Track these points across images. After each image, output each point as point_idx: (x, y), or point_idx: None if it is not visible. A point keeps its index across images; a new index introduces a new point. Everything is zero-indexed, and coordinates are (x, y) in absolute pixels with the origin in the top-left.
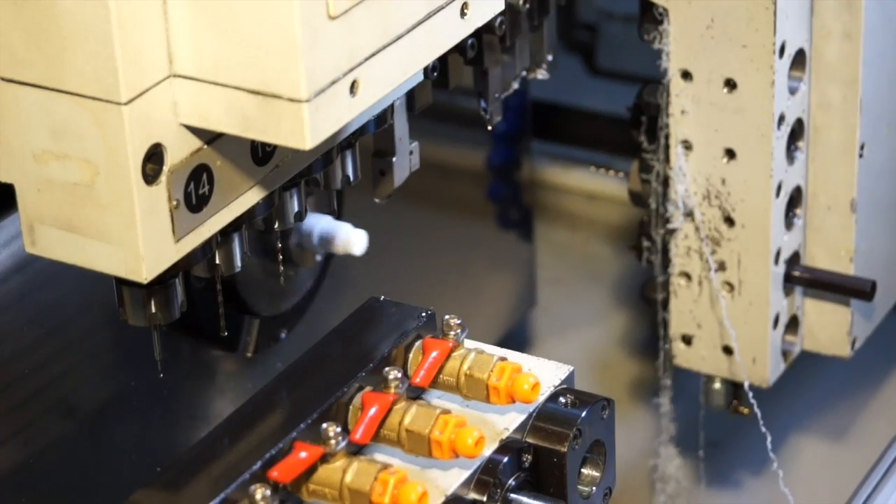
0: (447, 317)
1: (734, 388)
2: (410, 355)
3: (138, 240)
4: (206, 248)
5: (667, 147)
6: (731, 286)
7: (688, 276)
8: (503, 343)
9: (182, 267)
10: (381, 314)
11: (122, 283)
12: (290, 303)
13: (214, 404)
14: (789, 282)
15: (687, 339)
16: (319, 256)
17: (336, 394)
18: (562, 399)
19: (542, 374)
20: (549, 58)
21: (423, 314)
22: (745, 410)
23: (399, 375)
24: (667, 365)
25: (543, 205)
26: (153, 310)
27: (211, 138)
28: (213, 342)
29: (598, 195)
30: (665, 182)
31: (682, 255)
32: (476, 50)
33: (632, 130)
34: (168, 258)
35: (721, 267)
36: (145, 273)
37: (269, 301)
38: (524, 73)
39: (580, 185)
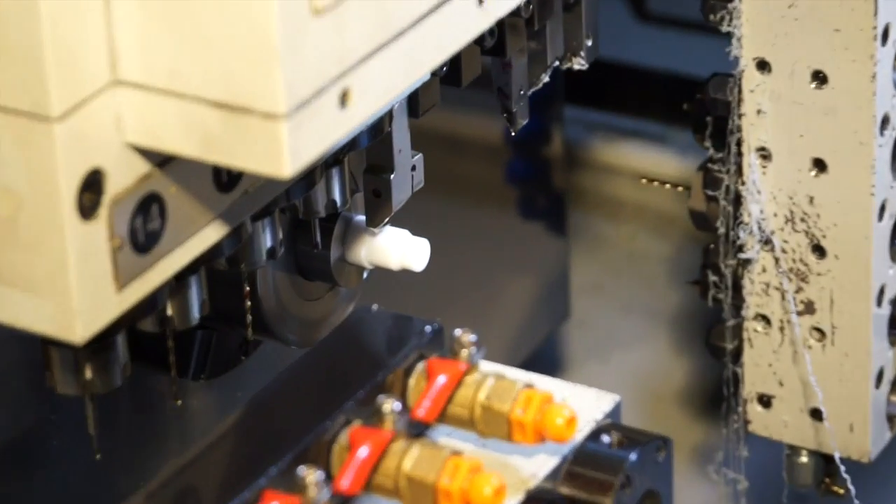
0: (458, 331)
1: (825, 462)
2: (411, 380)
3: (71, 289)
4: (157, 297)
5: (739, 156)
6: (821, 333)
7: (766, 319)
8: (529, 365)
9: (126, 321)
10: (374, 328)
11: (50, 342)
12: (322, 331)
13: (158, 442)
14: (895, 328)
15: (765, 401)
16: (365, 273)
17: (316, 429)
18: (605, 437)
19: (580, 405)
20: (589, 42)
21: (428, 328)
22: (840, 490)
23: (397, 406)
24: (740, 430)
25: (579, 188)
26: (89, 376)
27: (163, 161)
28: (157, 365)
29: (649, 174)
30: (737, 200)
31: (759, 294)
32: (496, 37)
33: (694, 134)
34: (108, 312)
35: (808, 309)
36: (80, 331)
37: (297, 328)
38: (557, 62)
39: (626, 162)
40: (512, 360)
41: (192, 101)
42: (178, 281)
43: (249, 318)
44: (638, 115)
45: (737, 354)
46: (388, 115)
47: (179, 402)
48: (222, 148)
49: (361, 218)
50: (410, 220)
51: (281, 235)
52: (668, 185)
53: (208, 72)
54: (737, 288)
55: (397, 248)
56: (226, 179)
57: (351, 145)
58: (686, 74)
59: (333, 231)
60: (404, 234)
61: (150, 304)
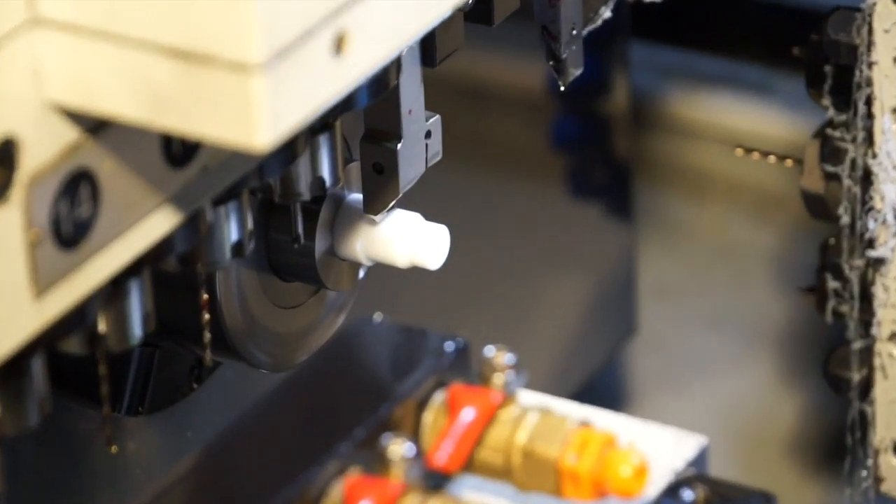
0: (490, 349)
1: None
2: (427, 415)
3: None
4: (87, 308)
5: (868, 119)
6: None
7: None
8: (584, 396)
9: (45, 340)
10: (376, 344)
11: None
12: (303, 350)
13: (85, 500)
14: None
15: None
16: (363, 271)
17: (298, 482)
18: (687, 493)
19: (653, 449)
20: None
21: (449, 345)
22: None
23: (408, 450)
24: (869, 490)
25: (650, 158)
26: None
27: (96, 126)
28: (85, 398)
29: (745, 141)
30: (865, 179)
31: None
32: None
33: (808, 89)
34: (22, 327)
35: None
36: None
37: (271, 346)
38: None
39: (714, 123)
40: (562, 388)
41: (136, 48)
42: (116, 286)
43: (207, 334)
44: (731, 60)
45: (865, 388)
46: (396, 65)
47: (114, 448)
48: (175, 110)
49: (357, 198)
50: (423, 202)
51: (251, 225)
52: (771, 157)
53: (158, 8)
54: (865, 298)
55: (406, 239)
56: (179, 152)
57: (345, 104)
58: (798, 6)
59: (319, 216)
60: (415, 219)
61: (77, 317)
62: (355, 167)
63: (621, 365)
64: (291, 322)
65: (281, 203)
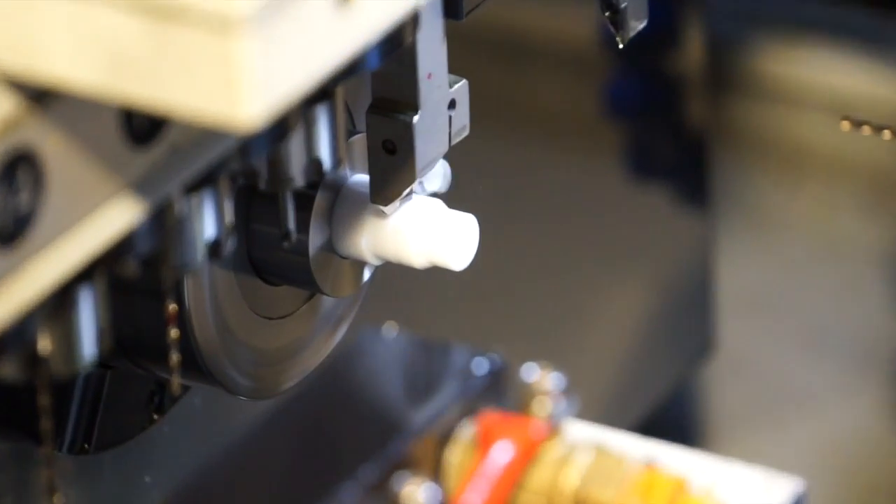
0: (531, 369)
1: None
2: (453, 451)
3: None
4: (27, 322)
5: None
6: None
7: None
8: (650, 427)
9: None
10: (389, 362)
11: None
12: (293, 371)
13: None
14: None
15: None
16: (368, 272)
17: None
18: None
19: (738, 494)
20: None
21: (480, 363)
22: None
23: (428, 495)
24: None
25: (732, 130)
26: None
27: (39, 95)
28: (22, 433)
29: (853, 111)
30: None
31: None
32: None
33: None
34: None
35: None
36: None
37: (253, 366)
38: None
39: (814, 87)
40: (620, 419)
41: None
42: (63, 295)
43: (175, 353)
44: (835, 3)
45: None
46: (412, 19)
47: (57, 497)
48: (139, 75)
49: (362, 180)
50: (449, 191)
51: (230, 218)
52: (885, 132)
53: None
54: None
55: (423, 232)
56: (142, 128)
57: (349, 67)
58: None
59: (314, 204)
60: (435, 207)
61: (15, 333)
62: (360, 141)
63: (696, 391)
64: (278, 336)
65: (267, 190)
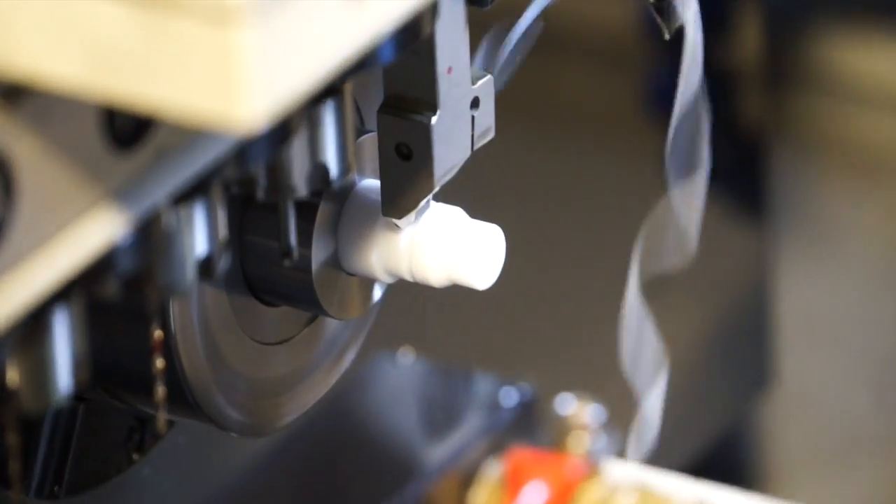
0: (567, 401)
1: None
2: (478, 492)
3: None
4: None
5: None
6: None
7: None
8: (701, 468)
9: None
10: (405, 391)
11: None
12: (293, 405)
13: None
14: None
15: None
16: (379, 291)
17: None
18: None
19: None
20: None
21: (509, 393)
22: None
23: None
24: None
25: (793, 129)
26: None
27: (9, 91)
28: None
29: None
30: None
31: None
32: None
33: None
34: None
35: None
36: None
37: (247, 398)
38: None
39: (888, 77)
40: (668, 458)
41: None
42: (35, 320)
43: (158, 383)
44: None
45: None
46: (431, 6)
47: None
48: (123, 69)
49: (372, 185)
50: (468, 193)
51: (224, 232)
52: None
53: None
54: None
55: (443, 245)
56: (126, 129)
57: (360, 61)
58: None
59: (317, 213)
60: (456, 216)
61: None
62: (370, 141)
63: (752, 428)
64: (276, 364)
65: (266, 201)
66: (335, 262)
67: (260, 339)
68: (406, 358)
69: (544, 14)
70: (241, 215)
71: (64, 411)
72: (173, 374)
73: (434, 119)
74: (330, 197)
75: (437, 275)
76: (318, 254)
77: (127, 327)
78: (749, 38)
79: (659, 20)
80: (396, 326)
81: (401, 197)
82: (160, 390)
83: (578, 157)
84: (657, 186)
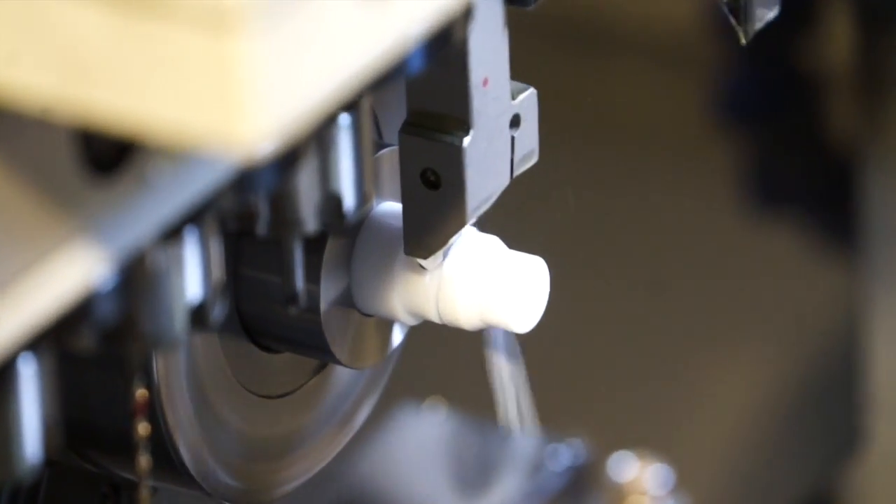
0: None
1: None
2: None
3: None
4: None
5: None
6: None
7: None
8: None
9: None
10: (434, 450)
11: None
12: (299, 468)
13: None
14: None
15: None
16: (400, 333)
17: None
18: None
19: None
20: None
21: (559, 452)
22: None
23: None
24: None
25: (890, 143)
26: None
27: None
28: None
29: None
30: None
31: None
32: None
33: None
34: None
35: None
36: None
37: (244, 462)
38: None
39: None
40: None
41: None
42: (0, 376)
43: (138, 443)
44: None
45: None
46: (464, 8)
47: None
48: (102, 82)
49: (389, 212)
50: (507, 220)
51: (220, 274)
52: None
53: None
54: None
55: (475, 281)
56: (107, 152)
57: (381, 74)
58: None
59: (326, 244)
60: (492, 247)
61: None
62: (389, 157)
63: (841, 496)
64: (277, 421)
65: (267, 237)
66: (348, 301)
67: (257, 391)
68: (435, 410)
69: (595, 10)
70: (237, 245)
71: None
72: (155, 431)
73: (466, 140)
74: (341, 234)
75: (469, 316)
76: (328, 291)
77: (101, 376)
78: (838, 39)
79: (734, 22)
80: (423, 374)
81: (427, 233)
82: (139, 450)
83: (638, 176)
84: (731, 210)
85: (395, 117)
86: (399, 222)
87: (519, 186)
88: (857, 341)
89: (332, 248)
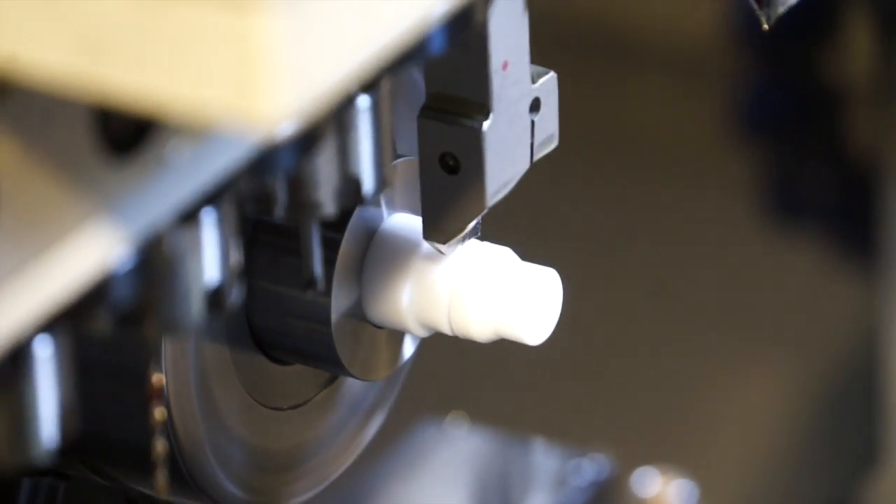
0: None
1: None
2: None
3: None
4: None
5: None
6: None
7: None
8: None
9: None
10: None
11: None
12: (309, 479)
13: None
14: None
15: None
16: (411, 345)
17: None
18: None
19: None
20: None
21: (582, 467)
22: None
23: None
24: None
25: None
26: None
27: None
28: None
29: None
30: None
31: None
32: None
33: None
34: None
35: None
36: None
37: (253, 472)
38: None
39: None
40: None
41: None
42: (13, 361)
43: (159, 453)
44: None
45: None
46: None
47: None
48: (125, 62)
49: (401, 223)
50: (522, 225)
51: (238, 258)
52: None
53: None
54: None
55: (488, 292)
56: (125, 131)
57: (402, 54)
58: None
59: (339, 250)
60: (504, 256)
61: None
62: (402, 168)
63: None
64: (285, 434)
65: (282, 223)
66: (358, 312)
67: (267, 403)
68: (456, 425)
69: (612, 20)
70: (249, 255)
71: (41, 490)
72: (171, 444)
73: (486, 124)
74: (354, 233)
75: (481, 328)
76: (339, 302)
77: (115, 388)
78: (858, 52)
79: (756, 8)
80: (444, 388)
81: (445, 218)
82: (157, 464)
83: (654, 187)
84: (749, 223)
85: (408, 122)
86: (410, 234)
87: (535, 197)
88: (876, 354)
89: (343, 258)
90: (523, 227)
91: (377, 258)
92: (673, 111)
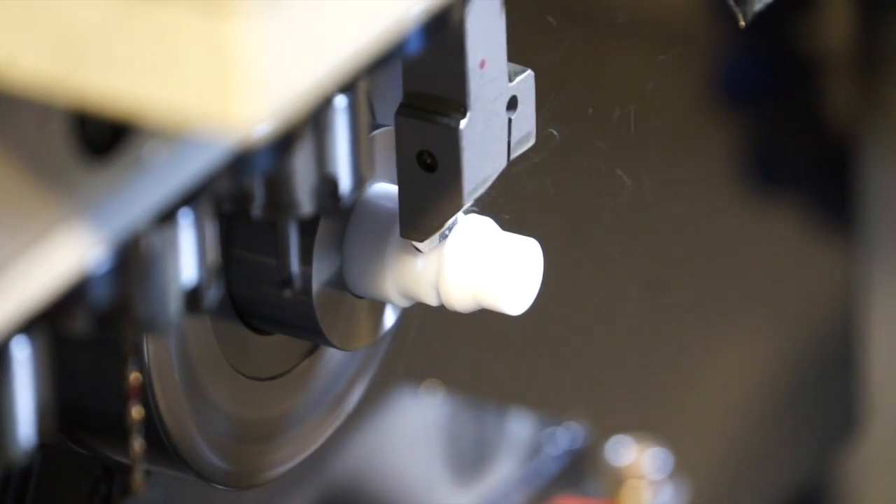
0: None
1: None
2: None
3: None
4: None
5: None
6: None
7: None
8: None
9: None
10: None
11: None
12: (290, 450)
13: None
14: None
15: None
16: (392, 315)
17: None
18: None
19: None
20: None
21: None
22: None
23: None
24: None
25: (891, 123)
26: None
27: None
28: None
29: None
30: None
31: None
32: None
33: None
34: None
35: None
36: None
37: (234, 444)
38: None
39: None
40: None
41: None
42: None
43: (137, 428)
44: None
45: None
46: None
47: None
48: (101, 66)
49: (382, 192)
50: (502, 202)
51: (215, 257)
52: None
53: None
54: None
55: (469, 262)
56: (103, 134)
57: (379, 55)
58: None
59: (318, 224)
60: (486, 228)
61: None
62: (383, 137)
63: (838, 481)
64: (268, 403)
65: (261, 219)
66: (339, 283)
67: (248, 373)
68: (431, 393)
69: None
70: (228, 227)
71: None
72: (146, 412)
73: (463, 122)
74: (332, 214)
75: (462, 298)
76: (320, 273)
77: (94, 359)
78: (837, 21)
79: (732, 4)
80: (419, 356)
81: (423, 216)
82: (134, 434)
83: (636, 158)
84: (729, 192)
85: (389, 99)
86: (392, 203)
87: (513, 170)
88: (854, 325)
89: (324, 229)
90: (503, 196)
91: (358, 228)
92: (652, 81)
